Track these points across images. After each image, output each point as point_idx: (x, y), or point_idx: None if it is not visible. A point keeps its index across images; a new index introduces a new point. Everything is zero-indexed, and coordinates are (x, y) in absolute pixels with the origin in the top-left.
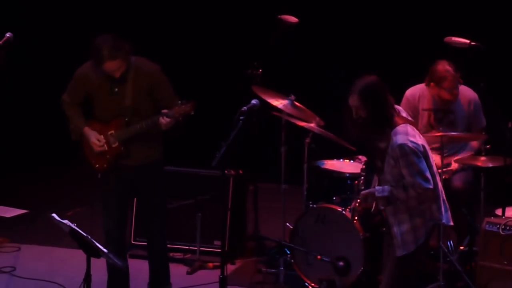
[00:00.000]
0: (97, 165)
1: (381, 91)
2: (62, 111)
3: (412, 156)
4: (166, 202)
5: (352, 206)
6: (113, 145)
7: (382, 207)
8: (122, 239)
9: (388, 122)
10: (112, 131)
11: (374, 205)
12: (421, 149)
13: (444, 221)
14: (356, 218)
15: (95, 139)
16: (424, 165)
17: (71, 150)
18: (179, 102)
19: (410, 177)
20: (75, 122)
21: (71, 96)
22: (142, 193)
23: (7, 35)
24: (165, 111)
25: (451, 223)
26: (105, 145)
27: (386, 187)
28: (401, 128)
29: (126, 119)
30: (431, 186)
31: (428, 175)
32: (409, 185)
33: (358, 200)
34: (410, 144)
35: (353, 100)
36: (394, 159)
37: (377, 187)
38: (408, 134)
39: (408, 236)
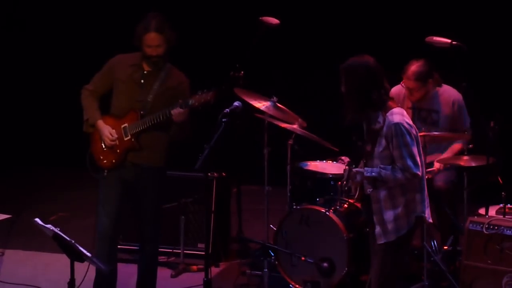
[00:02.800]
0: (104, 161)
1: (367, 70)
2: (79, 100)
3: (407, 136)
4: (160, 209)
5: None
6: (125, 138)
7: (369, 191)
8: (116, 240)
9: (383, 103)
10: (126, 124)
11: (358, 191)
12: (415, 133)
13: (426, 215)
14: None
15: (108, 133)
16: (416, 149)
17: (55, 155)
18: (199, 91)
19: (402, 159)
20: (90, 113)
21: (94, 85)
22: (140, 197)
23: None
24: (180, 101)
25: (431, 220)
26: (117, 140)
27: (375, 168)
28: (397, 109)
29: (142, 113)
30: (419, 173)
31: (419, 160)
32: (398, 168)
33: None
34: (406, 125)
35: (342, 78)
36: (388, 140)
37: (366, 168)
38: (404, 116)
39: (390, 225)
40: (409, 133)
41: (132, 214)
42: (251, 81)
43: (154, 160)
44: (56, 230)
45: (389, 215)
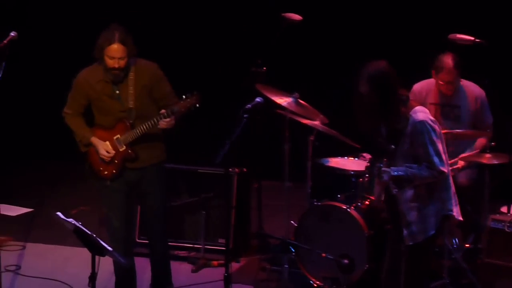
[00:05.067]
0: (105, 172)
1: (390, 75)
2: (65, 125)
3: (432, 134)
4: (166, 202)
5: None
6: (120, 149)
7: (394, 191)
8: (128, 238)
9: (404, 103)
10: (118, 135)
11: (381, 192)
12: (439, 130)
13: (454, 214)
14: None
15: (104, 150)
16: (441, 146)
17: (76, 148)
18: (183, 96)
19: (428, 156)
20: (81, 134)
21: (72, 108)
22: (144, 194)
23: (11, 34)
24: (163, 111)
25: (461, 218)
26: (113, 151)
27: (401, 167)
28: (419, 107)
29: (130, 122)
30: (446, 170)
31: (444, 157)
32: (425, 166)
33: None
34: (430, 122)
35: (364, 87)
36: (412, 138)
37: (392, 167)
38: (427, 113)
39: (417, 226)
40: (434, 130)
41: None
42: (273, 77)
43: (155, 158)
44: (78, 224)
45: (415, 216)
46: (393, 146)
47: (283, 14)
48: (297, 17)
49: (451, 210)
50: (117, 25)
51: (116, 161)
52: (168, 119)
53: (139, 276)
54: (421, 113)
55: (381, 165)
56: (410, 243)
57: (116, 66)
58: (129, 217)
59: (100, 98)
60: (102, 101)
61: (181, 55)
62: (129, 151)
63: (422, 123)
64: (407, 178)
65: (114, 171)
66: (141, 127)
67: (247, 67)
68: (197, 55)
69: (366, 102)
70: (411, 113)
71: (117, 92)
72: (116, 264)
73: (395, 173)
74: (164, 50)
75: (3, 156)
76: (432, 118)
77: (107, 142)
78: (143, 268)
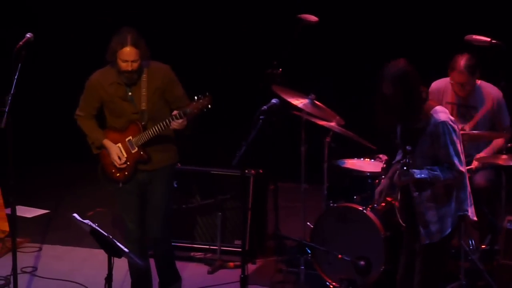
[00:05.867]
0: (118, 174)
1: (412, 72)
2: (78, 128)
3: (453, 134)
4: (171, 202)
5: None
6: (133, 151)
7: (415, 194)
8: (143, 240)
9: (424, 101)
10: (130, 137)
11: (398, 195)
12: (458, 130)
13: (469, 214)
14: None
15: (116, 156)
16: (460, 146)
17: (90, 151)
18: (195, 97)
19: (449, 157)
20: (94, 136)
21: (84, 110)
22: (150, 193)
23: (28, 35)
24: (175, 112)
25: (475, 218)
26: (125, 155)
27: (424, 170)
28: (440, 108)
29: (143, 124)
30: (464, 170)
31: (462, 157)
32: (446, 167)
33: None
34: (451, 123)
35: (387, 88)
36: (433, 138)
37: (414, 170)
38: (448, 113)
39: (434, 226)
40: (455, 131)
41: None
42: (289, 78)
43: (167, 160)
44: (94, 225)
45: (433, 215)
46: (408, 148)
47: (299, 15)
48: (313, 18)
49: (467, 210)
50: (129, 28)
51: (128, 163)
52: (180, 120)
53: (157, 277)
54: (442, 113)
55: (409, 161)
56: (427, 242)
57: (129, 69)
58: (143, 218)
59: (113, 100)
60: (115, 103)
61: (197, 57)
62: (142, 153)
63: (444, 123)
64: (429, 181)
65: (126, 173)
66: (154, 129)
67: (263, 68)
68: (213, 57)
69: (391, 103)
70: (432, 112)
71: (130, 94)
72: (131, 265)
73: (418, 176)
74: (179, 52)
75: (21, 159)
76: (452, 118)
77: (119, 145)
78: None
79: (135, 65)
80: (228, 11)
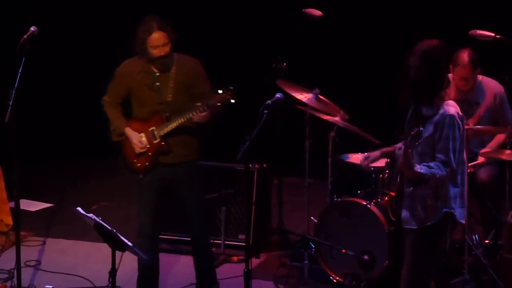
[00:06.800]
0: (138, 164)
1: (443, 55)
2: (103, 112)
3: (457, 131)
4: (202, 198)
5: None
6: (155, 141)
7: (408, 189)
8: (155, 235)
9: (445, 89)
10: (153, 128)
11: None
12: (462, 128)
13: (456, 214)
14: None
15: (137, 140)
16: (458, 145)
17: (96, 144)
18: (219, 91)
19: (446, 151)
20: (116, 123)
21: (111, 96)
22: (182, 193)
23: (32, 29)
24: (198, 104)
25: (463, 221)
26: (147, 144)
27: (423, 166)
28: (452, 102)
29: (166, 115)
30: (454, 167)
31: (462, 157)
32: (440, 162)
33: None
34: (459, 119)
35: (415, 61)
36: (437, 127)
37: (416, 165)
38: (458, 109)
39: (416, 213)
40: (459, 128)
41: (171, 204)
42: (293, 73)
43: (187, 155)
44: (98, 219)
45: (417, 204)
46: (421, 128)
47: (303, 9)
48: (317, 12)
49: (453, 209)
50: (152, 15)
51: (149, 154)
52: (203, 113)
53: (164, 272)
54: (453, 107)
55: (422, 129)
56: (407, 227)
57: (163, 53)
58: (158, 214)
59: (140, 88)
60: (142, 91)
61: (201, 52)
62: (163, 143)
63: (452, 117)
64: (427, 177)
65: (147, 163)
66: (177, 121)
67: (268, 63)
68: (218, 51)
69: (413, 77)
70: (443, 103)
71: (157, 84)
72: (140, 260)
73: (419, 170)
74: (184, 47)
75: (25, 153)
76: (461, 114)
77: (142, 134)
78: (168, 264)
79: (167, 48)
80: (233, 5)
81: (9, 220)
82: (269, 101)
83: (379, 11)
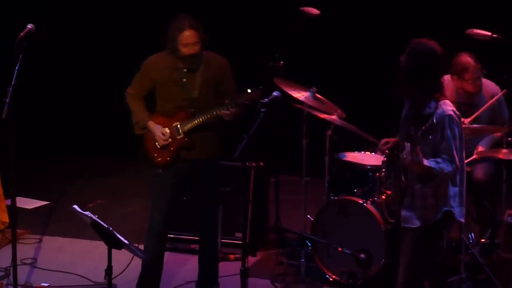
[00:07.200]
0: (159, 159)
1: (432, 56)
2: (126, 104)
3: (456, 130)
4: (218, 200)
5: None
6: (178, 137)
7: (417, 186)
8: (164, 235)
9: (438, 90)
10: (178, 123)
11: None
12: (461, 126)
13: (455, 212)
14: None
15: (160, 133)
16: (458, 142)
17: (94, 142)
18: (248, 90)
19: (450, 150)
20: (139, 116)
21: (135, 89)
22: (198, 191)
23: (29, 26)
24: (227, 101)
25: (462, 220)
26: (170, 138)
27: (431, 161)
28: (448, 101)
29: (192, 111)
30: (458, 165)
31: (462, 156)
32: (447, 160)
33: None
34: (457, 118)
35: (403, 59)
36: (439, 128)
37: (424, 160)
38: (454, 108)
39: (417, 212)
40: (458, 127)
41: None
42: (290, 71)
43: (208, 153)
44: (94, 217)
45: (417, 202)
46: (413, 130)
47: (301, 8)
48: (315, 11)
49: (453, 207)
50: (185, 14)
51: (171, 148)
52: (232, 110)
53: (169, 270)
54: (450, 107)
55: (431, 124)
56: (407, 226)
57: (192, 52)
58: (170, 212)
59: (166, 83)
60: (168, 86)
61: None
62: (186, 139)
63: (451, 117)
64: (436, 172)
65: (168, 158)
66: (202, 117)
67: (265, 61)
68: (215, 49)
69: (400, 71)
70: (440, 103)
71: (184, 80)
72: (142, 262)
73: (427, 163)
74: None
75: (22, 150)
76: (458, 113)
77: (166, 129)
78: (172, 262)
79: (197, 48)
80: (230, 3)
81: (5, 218)
82: (266, 99)
83: (376, 10)
